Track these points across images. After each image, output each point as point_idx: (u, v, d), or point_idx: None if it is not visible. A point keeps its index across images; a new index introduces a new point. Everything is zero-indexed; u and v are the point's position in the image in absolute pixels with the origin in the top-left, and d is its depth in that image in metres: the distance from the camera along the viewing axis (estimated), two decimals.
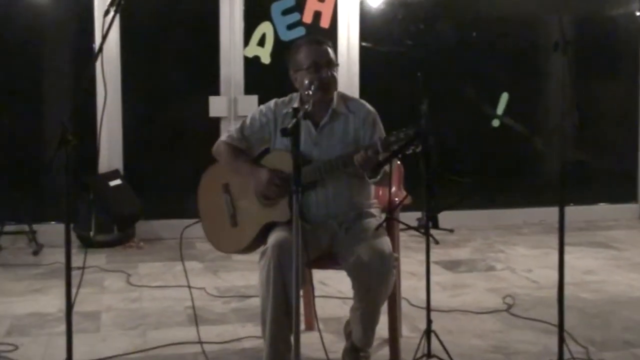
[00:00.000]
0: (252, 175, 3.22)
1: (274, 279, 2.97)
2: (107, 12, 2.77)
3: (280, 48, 5.96)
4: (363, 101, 3.33)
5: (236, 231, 3.30)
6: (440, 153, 2.84)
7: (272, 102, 3.34)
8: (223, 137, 3.39)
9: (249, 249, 3.31)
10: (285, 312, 2.98)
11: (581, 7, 6.68)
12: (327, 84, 3.15)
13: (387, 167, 3.00)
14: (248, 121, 3.34)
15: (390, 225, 3.30)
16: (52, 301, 4.29)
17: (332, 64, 3.18)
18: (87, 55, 5.80)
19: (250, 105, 5.85)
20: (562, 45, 2.97)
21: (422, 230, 3.06)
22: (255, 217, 3.23)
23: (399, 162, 3.50)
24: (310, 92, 3.04)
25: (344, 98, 3.30)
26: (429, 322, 3.04)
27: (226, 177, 3.34)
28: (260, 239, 3.23)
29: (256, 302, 3.16)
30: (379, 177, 3.02)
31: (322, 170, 3.11)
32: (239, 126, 3.36)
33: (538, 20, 6.64)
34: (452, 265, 5.16)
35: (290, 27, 6.01)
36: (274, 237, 3.07)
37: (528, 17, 6.61)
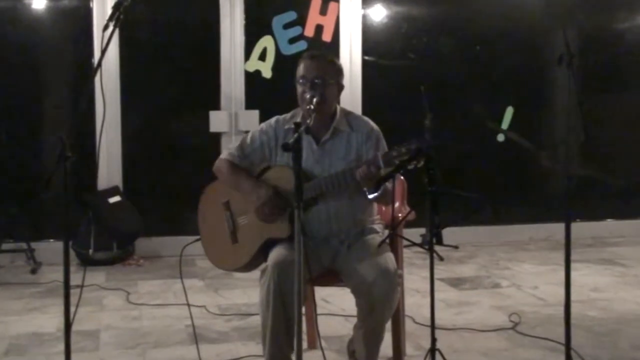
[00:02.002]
0: (253, 192, 3.23)
1: (273, 298, 2.97)
2: (106, 27, 2.78)
3: (282, 62, 5.99)
4: (366, 118, 3.34)
5: (236, 248, 3.31)
6: (444, 167, 2.84)
7: (272, 120, 3.35)
8: (224, 154, 3.39)
9: (249, 266, 3.31)
10: (285, 331, 2.98)
11: (586, 20, 6.69)
12: (309, 102, 3.10)
13: (388, 184, 3.00)
14: (248, 139, 3.35)
15: (394, 242, 3.30)
16: (50, 320, 4.29)
17: (326, 81, 3.17)
18: (86, 70, 5.82)
19: (251, 121, 5.87)
20: (567, 59, 2.98)
21: (426, 247, 3.05)
22: (256, 233, 3.23)
23: (402, 177, 3.50)
24: (312, 107, 3.05)
25: (347, 115, 3.31)
26: (434, 340, 3.03)
27: (227, 194, 3.34)
28: (260, 255, 3.23)
29: (258, 320, 3.16)
30: (379, 192, 3.01)
31: (324, 185, 3.11)
32: (239, 144, 3.37)
33: (543, 34, 6.66)
34: (456, 282, 5.15)
35: (292, 41, 6.03)
36: (274, 256, 3.07)
37: (533, 30, 6.63)
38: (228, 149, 3.41)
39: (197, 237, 3.44)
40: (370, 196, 3.03)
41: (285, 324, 2.98)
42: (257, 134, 3.34)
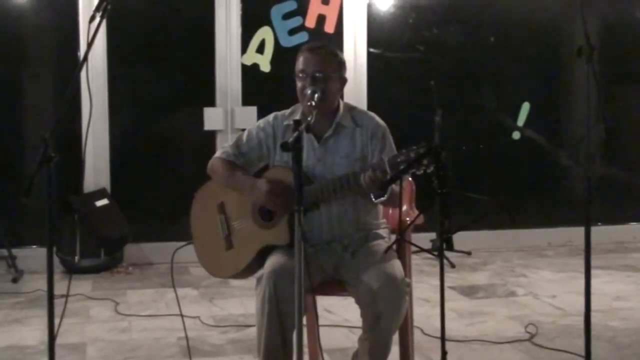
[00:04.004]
0: (251, 188, 3.21)
1: (269, 308, 2.98)
2: (92, 18, 2.79)
3: (281, 55, 5.99)
4: (372, 114, 3.34)
5: (231, 254, 3.31)
6: (455, 168, 2.84)
7: (271, 116, 3.35)
8: (218, 153, 3.40)
9: (245, 273, 3.32)
10: (281, 344, 2.99)
11: (607, 9, 6.69)
12: (310, 97, 3.08)
13: (395, 186, 3.00)
14: (245, 137, 3.35)
15: (401, 248, 3.30)
16: (32, 333, 4.29)
17: (328, 75, 3.17)
18: (72, 65, 5.82)
19: (248, 118, 5.88)
20: (586, 51, 2.98)
21: (436, 253, 3.05)
22: (252, 239, 3.23)
23: (410, 179, 3.50)
24: (313, 103, 3.05)
25: (351, 110, 3.31)
26: (444, 353, 3.03)
27: (221, 196, 3.34)
28: (257, 262, 3.23)
29: (255, 332, 3.16)
30: (385, 197, 3.01)
31: (325, 190, 3.10)
32: (234, 142, 3.37)
33: (561, 24, 6.66)
34: (469, 291, 5.15)
35: (291, 32, 6.04)
36: (270, 263, 3.08)
37: (550, 20, 6.63)
38: (223, 147, 3.42)
39: (189, 241, 3.43)
40: (376, 200, 3.03)
41: (282, 336, 2.99)
42: (254, 131, 3.34)
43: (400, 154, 2.92)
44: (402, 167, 2.87)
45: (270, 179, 3.20)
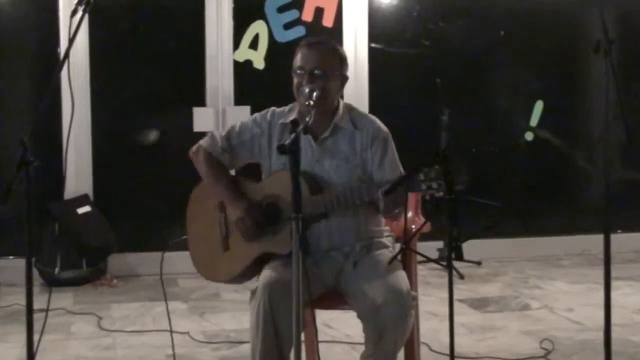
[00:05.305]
0: (231, 204, 3.25)
1: (264, 323, 2.98)
2: (74, 12, 2.79)
3: (276, 51, 6.00)
4: (373, 117, 3.34)
5: (227, 257, 3.31)
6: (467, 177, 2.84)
7: (269, 111, 3.36)
8: (205, 141, 3.40)
9: (241, 278, 3.33)
10: None
11: (627, 1, 6.70)
12: (308, 96, 3.09)
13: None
14: (237, 128, 3.36)
15: (407, 258, 3.30)
16: (10, 350, 4.28)
17: (327, 72, 3.17)
18: (52, 62, 5.82)
19: (241, 118, 5.81)
20: (605, 45, 2.98)
21: (444, 263, 3.06)
22: (251, 244, 3.23)
23: None
24: (312, 102, 3.05)
25: (351, 111, 3.31)
26: None
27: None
28: (253, 269, 3.25)
29: (249, 349, 3.16)
30: (396, 210, 3.06)
31: (336, 202, 3.10)
32: (225, 133, 3.38)
33: (577, 16, 6.67)
34: (479, 304, 5.15)
35: (287, 26, 6.05)
36: (265, 275, 3.08)
37: (565, 12, 6.63)
38: (212, 136, 3.41)
39: (182, 237, 3.43)
40: (386, 215, 3.06)
41: (278, 354, 3.00)
42: (249, 125, 3.34)
43: (420, 175, 2.88)
44: (422, 187, 2.87)
45: (268, 192, 3.20)
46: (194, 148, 3.42)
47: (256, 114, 3.39)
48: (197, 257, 3.41)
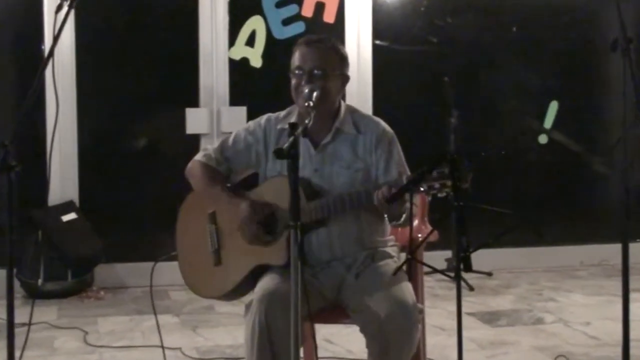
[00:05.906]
0: (231, 208, 3.24)
1: (259, 339, 2.98)
2: (59, 8, 2.80)
3: (274, 48, 6.01)
4: (377, 119, 3.34)
5: (219, 271, 3.31)
6: (474, 176, 2.84)
7: (263, 118, 3.36)
8: (199, 155, 3.41)
9: (234, 294, 3.33)
10: None
11: None
12: (307, 97, 3.08)
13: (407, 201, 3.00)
14: (231, 140, 3.36)
15: (412, 268, 3.30)
16: None
17: (327, 72, 3.18)
18: (35, 61, 5.83)
19: (236, 120, 5.88)
20: (622, 43, 2.99)
21: (452, 274, 3.05)
22: (245, 256, 3.23)
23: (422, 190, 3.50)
24: (312, 103, 3.05)
25: (353, 113, 3.32)
26: None
27: (214, 204, 3.35)
28: (248, 283, 3.24)
29: None
30: (402, 219, 3.06)
31: (332, 208, 3.11)
32: (218, 145, 3.38)
33: (593, 12, 6.68)
34: (490, 318, 5.15)
35: (286, 22, 6.06)
36: (261, 287, 3.08)
37: (581, 7, 6.65)
38: (205, 149, 3.43)
39: (172, 253, 3.43)
40: (392, 223, 3.07)
41: None
42: (242, 134, 3.35)
43: (420, 173, 2.89)
44: (420, 184, 2.86)
45: (256, 199, 3.20)
46: (189, 165, 3.41)
47: (249, 123, 3.39)
48: (187, 273, 3.41)
